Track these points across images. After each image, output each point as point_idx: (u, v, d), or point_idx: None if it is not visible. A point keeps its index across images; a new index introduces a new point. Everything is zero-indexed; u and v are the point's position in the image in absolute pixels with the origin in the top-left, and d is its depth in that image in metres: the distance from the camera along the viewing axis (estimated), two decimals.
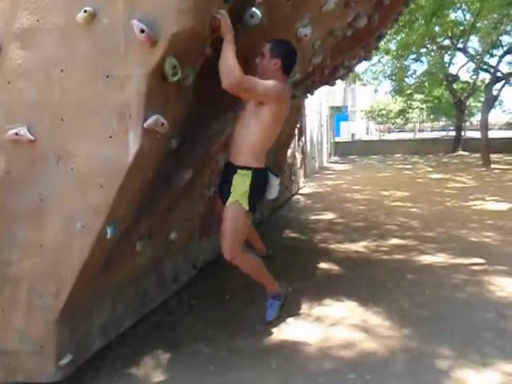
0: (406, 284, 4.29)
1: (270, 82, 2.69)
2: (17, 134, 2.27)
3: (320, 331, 3.34)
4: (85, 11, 2.08)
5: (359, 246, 5.68)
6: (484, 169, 14.13)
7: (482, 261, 4.91)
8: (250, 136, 2.83)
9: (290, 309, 3.70)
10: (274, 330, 3.35)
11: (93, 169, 2.21)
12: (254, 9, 2.60)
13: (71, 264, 2.36)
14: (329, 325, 3.45)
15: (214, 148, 3.21)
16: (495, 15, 14.19)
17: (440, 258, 5.06)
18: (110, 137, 2.16)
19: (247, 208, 2.86)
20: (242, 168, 2.86)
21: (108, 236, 2.30)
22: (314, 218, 7.59)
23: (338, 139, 24.13)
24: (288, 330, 3.36)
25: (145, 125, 2.10)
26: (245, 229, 3.00)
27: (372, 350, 3.06)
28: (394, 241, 5.91)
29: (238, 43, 2.57)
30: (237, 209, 2.87)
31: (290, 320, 3.51)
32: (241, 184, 2.84)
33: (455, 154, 19.74)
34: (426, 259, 5.05)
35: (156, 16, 2.04)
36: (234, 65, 2.42)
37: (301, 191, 10.38)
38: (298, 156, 9.78)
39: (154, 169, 2.37)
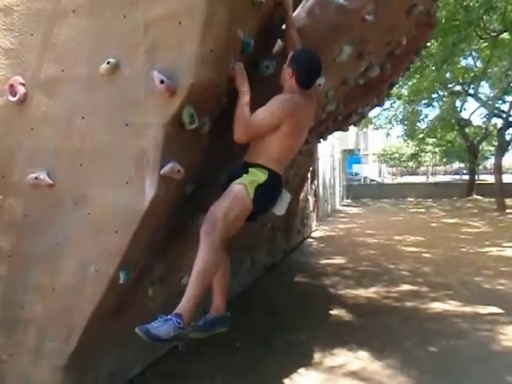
0: (419, 333, 4.18)
1: (268, 109, 2.49)
2: (36, 178, 2.33)
3: (332, 383, 3.24)
4: (108, 62, 2.17)
5: (370, 292, 5.58)
6: (498, 213, 13.96)
7: (498, 310, 4.78)
8: (266, 144, 2.56)
9: (302, 358, 3.61)
10: (285, 380, 3.26)
11: (108, 214, 2.24)
12: (269, 60, 2.69)
13: (83, 308, 2.35)
14: (341, 375, 3.35)
15: None
16: (505, 62, 14.42)
17: (454, 307, 4.94)
18: (127, 183, 2.20)
19: (251, 196, 2.45)
20: (261, 166, 2.55)
21: (121, 281, 2.30)
22: (325, 262, 7.50)
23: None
24: (300, 381, 3.27)
25: (161, 172, 2.14)
26: (240, 217, 2.49)
27: None
28: (406, 287, 5.80)
29: (253, 92, 2.64)
30: (240, 191, 2.46)
31: (302, 370, 3.42)
32: (256, 174, 2.51)
33: (469, 198, 19.59)
34: (440, 307, 4.94)
35: (176, 67, 2.11)
36: (243, 119, 2.42)
37: (313, 234, 10.32)
38: (311, 199, 9.79)
39: (168, 214, 2.39)
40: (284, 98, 2.57)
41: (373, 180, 27.51)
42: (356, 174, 27.58)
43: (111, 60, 2.16)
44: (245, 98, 2.43)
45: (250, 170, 2.55)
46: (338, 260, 7.62)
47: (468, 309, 4.85)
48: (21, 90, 2.32)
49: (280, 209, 2.78)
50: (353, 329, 4.35)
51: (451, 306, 4.97)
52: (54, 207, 2.34)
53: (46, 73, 2.32)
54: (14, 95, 2.33)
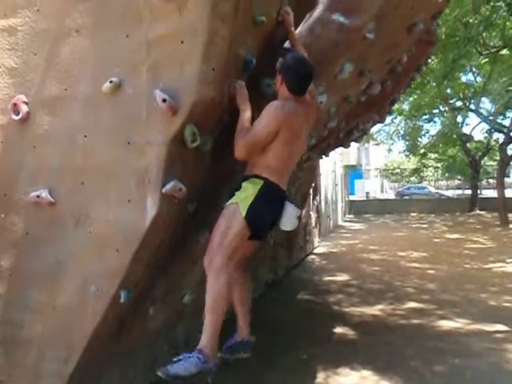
0: (425, 352, 4.12)
1: (262, 120, 2.42)
2: (38, 196, 2.32)
3: None
4: (111, 82, 2.18)
5: (375, 310, 5.52)
6: (501, 229, 13.89)
7: (504, 328, 4.71)
8: (262, 153, 2.48)
9: (305, 377, 3.55)
10: None
11: (110, 232, 2.22)
12: (270, 78, 2.70)
13: (83, 328, 2.32)
14: None
15: None
16: (506, 78, 14.50)
17: (460, 324, 4.88)
18: (129, 201, 2.19)
19: (243, 214, 2.39)
20: (254, 176, 2.49)
21: (121, 300, 2.27)
22: (329, 279, 7.45)
23: (352, 197, 24.11)
24: None
25: (163, 190, 2.13)
26: (236, 239, 2.42)
27: None
28: (412, 304, 5.74)
29: (254, 110, 2.64)
30: (233, 211, 2.42)
31: None
32: (248, 189, 2.45)
33: (472, 213, 19.53)
34: (446, 324, 4.88)
35: (178, 86, 2.12)
36: (243, 138, 2.39)
37: (316, 251, 10.27)
38: (313, 215, 9.76)
39: (170, 233, 2.38)
40: (276, 106, 2.47)
41: (442, 195, 26.27)
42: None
43: (114, 79, 2.17)
44: (245, 115, 2.41)
45: (243, 184, 2.48)
46: (342, 277, 7.56)
47: (474, 326, 4.79)
48: (24, 108, 2.33)
49: (287, 224, 2.59)
50: (357, 347, 4.29)
51: (457, 323, 4.91)
52: (56, 226, 2.32)
53: (49, 92, 2.33)
54: (17, 114, 2.33)
